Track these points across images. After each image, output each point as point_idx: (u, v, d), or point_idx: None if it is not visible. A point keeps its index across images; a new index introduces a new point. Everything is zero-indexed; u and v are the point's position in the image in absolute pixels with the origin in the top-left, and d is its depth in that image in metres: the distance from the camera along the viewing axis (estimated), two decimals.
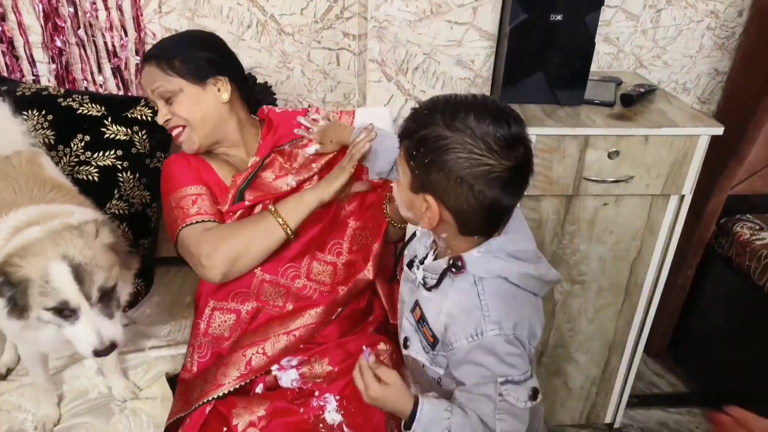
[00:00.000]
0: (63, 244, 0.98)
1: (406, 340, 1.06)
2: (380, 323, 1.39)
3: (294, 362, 1.25)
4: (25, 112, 1.50)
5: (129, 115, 1.58)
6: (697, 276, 2.03)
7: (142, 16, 1.68)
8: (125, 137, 1.56)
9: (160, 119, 1.32)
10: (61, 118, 1.53)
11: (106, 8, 1.65)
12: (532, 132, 1.45)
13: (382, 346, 1.29)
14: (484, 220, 0.90)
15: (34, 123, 1.49)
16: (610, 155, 1.49)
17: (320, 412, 1.14)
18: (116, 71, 1.73)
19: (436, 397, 0.96)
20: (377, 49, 1.70)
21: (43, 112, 1.52)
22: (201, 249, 1.21)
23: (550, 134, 1.47)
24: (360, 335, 1.32)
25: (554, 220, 1.60)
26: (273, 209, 1.25)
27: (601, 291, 1.72)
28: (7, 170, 1.20)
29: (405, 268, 1.09)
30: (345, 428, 1.12)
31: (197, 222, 1.25)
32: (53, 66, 1.71)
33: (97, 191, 1.49)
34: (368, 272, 1.33)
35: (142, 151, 1.58)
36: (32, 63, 1.71)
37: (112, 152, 1.54)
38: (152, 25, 1.70)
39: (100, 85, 1.75)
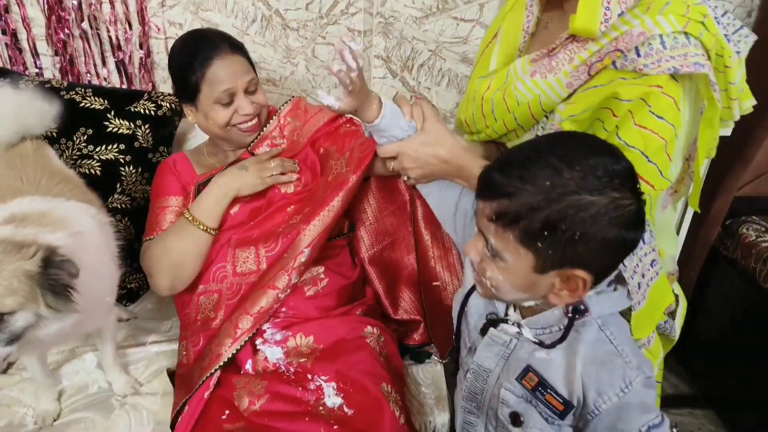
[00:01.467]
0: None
1: (516, 417, 0.87)
2: (370, 306, 1.41)
3: (278, 336, 1.25)
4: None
5: (132, 109, 1.57)
6: (702, 277, 2.02)
7: (146, 9, 1.67)
8: (128, 131, 1.56)
9: (246, 109, 1.31)
10: (63, 112, 1.51)
11: (110, 1, 1.65)
12: None
13: (368, 329, 1.30)
14: (616, 264, 0.79)
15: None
16: None
17: (321, 396, 1.15)
18: (120, 65, 1.73)
19: None
20: (382, 46, 1.69)
21: (46, 103, 1.51)
22: (145, 266, 1.33)
23: None
24: (346, 317, 1.33)
25: None
26: (188, 214, 1.29)
27: None
28: (14, 159, 1.19)
29: (473, 331, 0.95)
30: (345, 408, 1.12)
31: (154, 238, 1.33)
32: (57, 59, 1.70)
33: (99, 185, 1.47)
34: (319, 222, 1.28)
35: (144, 145, 1.57)
36: (36, 55, 1.70)
37: (115, 146, 1.53)
38: (156, 18, 1.69)
39: (104, 79, 1.74)
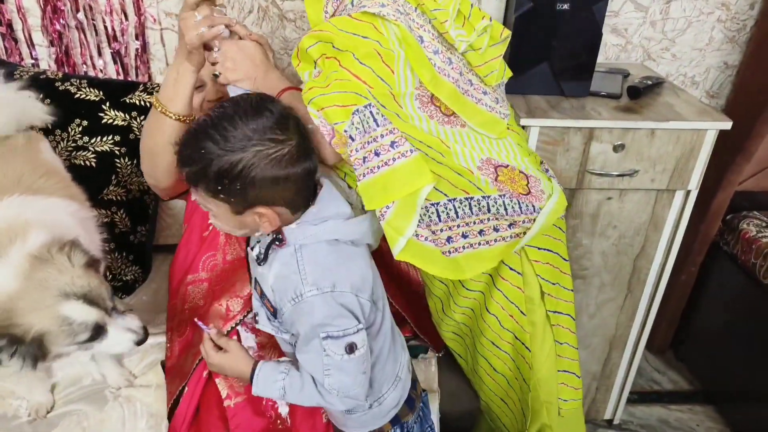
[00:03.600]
0: (52, 285, 0.97)
1: (255, 315, 1.11)
2: None
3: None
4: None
5: (128, 101, 1.56)
6: (702, 272, 2.00)
7: (142, 0, 1.66)
8: (123, 123, 1.55)
9: (212, 95, 1.33)
10: (58, 103, 1.51)
11: None
12: (536, 124, 1.43)
13: None
14: (304, 193, 0.97)
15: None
16: (615, 148, 1.46)
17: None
18: (116, 56, 1.71)
19: (285, 361, 1.05)
20: None
21: (41, 96, 1.49)
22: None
23: (554, 126, 1.44)
24: None
25: None
26: (155, 100, 1.19)
27: (603, 286, 1.70)
28: (2, 152, 1.19)
29: (248, 249, 1.12)
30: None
31: None
32: (53, 50, 1.69)
33: (94, 177, 1.48)
34: None
35: (140, 136, 1.56)
36: (31, 46, 1.69)
37: (110, 138, 1.52)
38: (152, 9, 1.67)
39: (101, 70, 1.72)
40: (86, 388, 1.32)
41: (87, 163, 1.50)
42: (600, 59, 1.58)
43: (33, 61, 1.70)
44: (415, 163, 1.01)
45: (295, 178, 0.92)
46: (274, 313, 1.03)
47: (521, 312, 1.26)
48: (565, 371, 1.35)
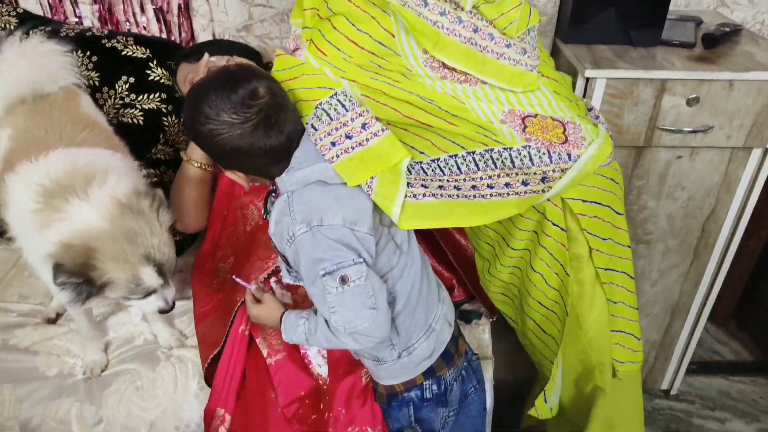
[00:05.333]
0: (141, 243, 1.00)
1: (278, 270, 1.17)
2: None
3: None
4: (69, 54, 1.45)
5: (173, 65, 1.53)
6: None
7: None
8: (169, 82, 1.52)
9: None
10: (105, 60, 1.48)
11: None
12: (601, 75, 1.34)
13: None
14: (273, 159, 0.98)
15: (78, 64, 1.44)
16: (688, 102, 1.35)
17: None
18: (159, 12, 1.67)
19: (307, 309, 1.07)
20: None
21: (88, 53, 1.47)
22: None
23: (621, 78, 1.34)
24: None
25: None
26: (183, 153, 1.32)
27: (667, 252, 1.60)
28: (42, 106, 1.16)
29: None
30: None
31: None
32: (96, 7, 1.66)
33: (142, 135, 1.46)
34: None
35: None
36: (75, 3, 1.66)
37: (157, 95, 1.49)
38: None
39: (144, 27, 1.69)
40: (139, 348, 1.31)
41: (135, 120, 1.47)
42: (670, 6, 1.45)
43: (77, 19, 1.68)
44: (388, 140, 1.02)
45: (258, 150, 0.95)
46: (286, 261, 1.06)
47: (566, 272, 1.19)
48: (620, 331, 1.28)
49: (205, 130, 0.93)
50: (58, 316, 1.39)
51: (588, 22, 1.43)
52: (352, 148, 1.00)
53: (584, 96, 1.37)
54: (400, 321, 1.04)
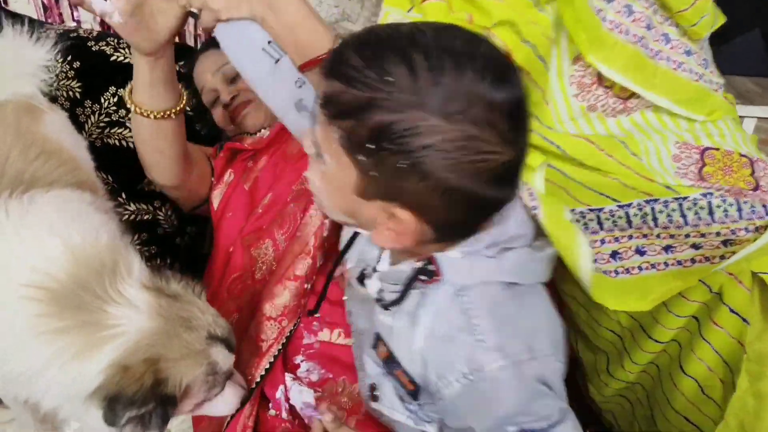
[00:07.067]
0: (198, 326, 0.75)
1: (372, 388, 0.77)
2: None
3: (314, 376, 0.92)
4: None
5: (180, 69, 1.24)
6: None
7: None
8: None
9: (225, 97, 1.18)
10: (90, 67, 1.21)
11: None
12: (750, 113, 1.01)
13: None
14: (472, 223, 0.64)
15: (56, 72, 1.17)
16: None
17: None
18: None
19: None
20: None
21: (69, 59, 1.20)
22: None
23: None
24: None
25: None
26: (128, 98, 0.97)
27: None
28: None
29: (353, 282, 0.78)
30: None
31: None
32: None
33: (131, 161, 1.16)
34: None
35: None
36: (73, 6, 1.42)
37: None
38: None
39: None
40: None
41: (123, 143, 1.18)
42: None
43: (75, 23, 1.44)
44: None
45: (483, 205, 0.61)
46: (414, 392, 0.70)
47: (734, 380, 0.80)
48: None
49: (405, 125, 0.60)
50: None
51: (725, 45, 1.10)
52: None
53: None
54: None
